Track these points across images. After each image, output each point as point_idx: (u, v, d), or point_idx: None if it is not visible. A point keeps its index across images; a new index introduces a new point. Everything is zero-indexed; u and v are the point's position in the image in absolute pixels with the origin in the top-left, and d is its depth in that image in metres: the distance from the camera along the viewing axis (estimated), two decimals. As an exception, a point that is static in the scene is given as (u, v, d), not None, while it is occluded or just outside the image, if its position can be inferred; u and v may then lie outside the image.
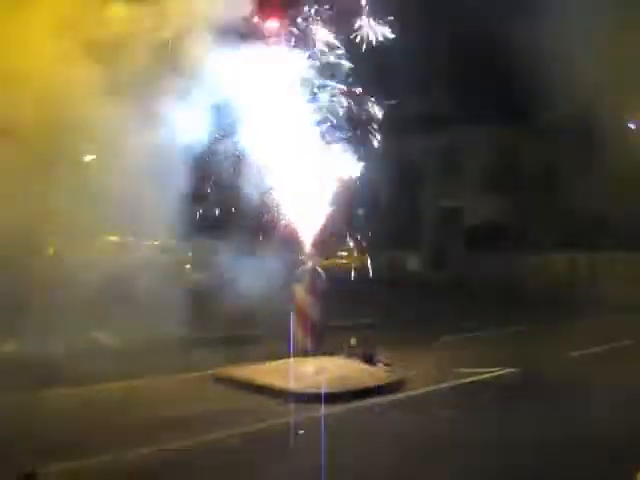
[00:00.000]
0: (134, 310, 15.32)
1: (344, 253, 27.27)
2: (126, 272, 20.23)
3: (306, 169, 12.37)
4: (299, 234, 12.67)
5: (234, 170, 12.63)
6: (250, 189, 12.65)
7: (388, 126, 13.24)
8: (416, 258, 25.76)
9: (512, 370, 12.14)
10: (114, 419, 8.93)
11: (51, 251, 19.51)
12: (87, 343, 13.44)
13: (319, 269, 12.34)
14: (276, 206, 12.71)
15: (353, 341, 12.36)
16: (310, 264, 12.39)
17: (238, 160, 12.53)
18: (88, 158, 15.48)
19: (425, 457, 7.84)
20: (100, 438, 8.05)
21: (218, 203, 13.69)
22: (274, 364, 11.53)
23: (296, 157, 12.28)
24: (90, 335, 14.13)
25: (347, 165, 12.72)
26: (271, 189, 12.64)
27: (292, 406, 9.62)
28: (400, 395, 10.68)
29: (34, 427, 8.28)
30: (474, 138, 26.53)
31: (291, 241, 12.89)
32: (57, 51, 11.57)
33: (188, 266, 21.69)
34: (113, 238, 21.70)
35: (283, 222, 12.76)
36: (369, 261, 24.83)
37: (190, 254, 22.12)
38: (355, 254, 26.16)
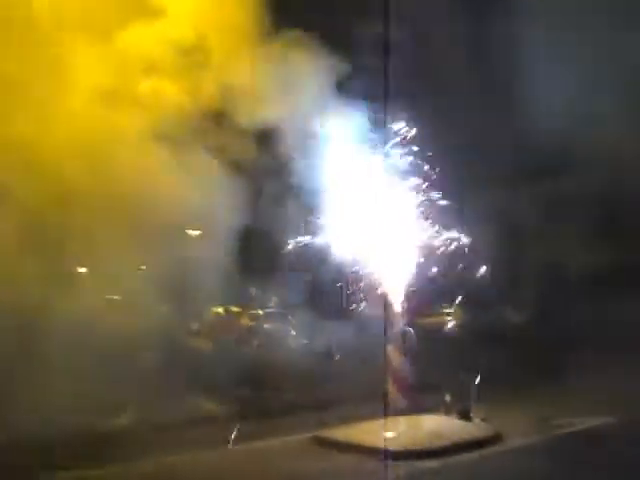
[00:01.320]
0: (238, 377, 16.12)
1: (449, 310, 27.43)
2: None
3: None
4: (390, 295, 13.03)
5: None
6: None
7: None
8: (519, 313, 25.49)
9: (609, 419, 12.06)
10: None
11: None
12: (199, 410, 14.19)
13: (410, 329, 12.67)
14: (369, 270, 13.18)
15: (448, 397, 12.59)
16: (401, 324, 12.74)
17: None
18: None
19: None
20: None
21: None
22: (371, 424, 11.85)
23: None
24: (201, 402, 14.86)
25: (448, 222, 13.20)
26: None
27: (389, 463, 9.95)
28: (497, 449, 10.81)
29: None
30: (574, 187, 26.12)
31: (384, 303, 13.24)
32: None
33: (293, 332, 22.29)
34: (220, 310, 22.71)
35: (375, 285, 13.19)
36: (471, 317, 24.99)
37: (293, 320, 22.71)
38: (458, 311, 26.36)
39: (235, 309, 25.30)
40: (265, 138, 14.18)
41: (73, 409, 11.98)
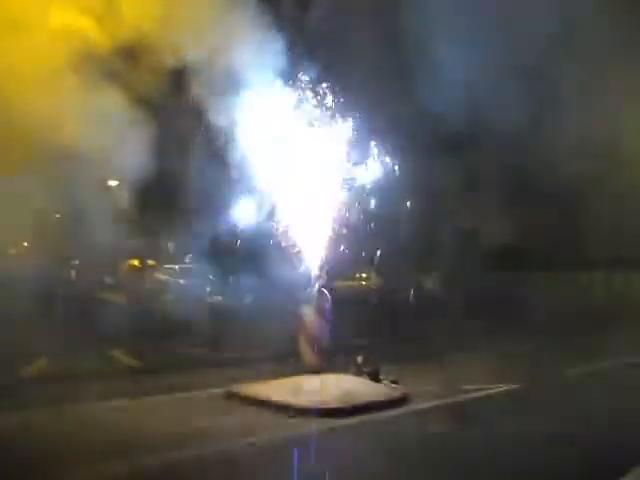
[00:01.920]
0: (153, 331, 16.07)
1: (364, 275, 27.88)
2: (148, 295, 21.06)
3: (317, 189, 12.89)
4: (308, 257, 13.09)
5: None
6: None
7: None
8: (433, 278, 26.16)
9: (514, 387, 12.54)
10: (134, 431, 9.48)
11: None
12: (109, 362, 14.09)
13: (325, 290, 12.79)
14: (287, 229, 13.17)
15: (360, 359, 12.82)
16: (317, 286, 12.84)
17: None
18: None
19: (414, 471, 8.20)
20: (121, 447, 8.64)
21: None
22: (282, 381, 11.99)
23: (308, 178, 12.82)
24: (112, 354, 14.76)
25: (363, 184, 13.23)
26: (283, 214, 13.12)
27: (295, 420, 10.12)
28: (402, 410, 11.10)
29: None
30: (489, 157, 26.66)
31: (302, 263, 13.30)
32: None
33: (208, 289, 22.29)
34: (135, 262, 22.50)
35: (294, 245, 13.21)
36: (385, 282, 25.45)
37: (211, 277, 22.69)
38: (374, 276, 26.77)
39: (150, 262, 25.16)
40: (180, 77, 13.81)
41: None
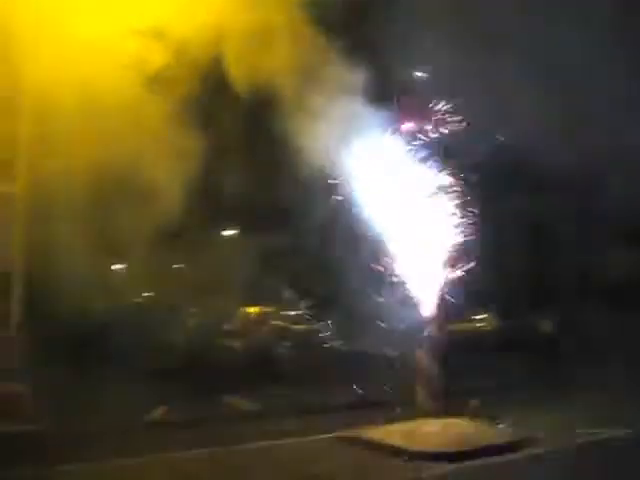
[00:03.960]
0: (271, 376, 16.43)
1: (481, 316, 27.40)
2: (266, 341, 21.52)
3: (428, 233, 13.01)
4: (421, 299, 13.12)
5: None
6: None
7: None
8: (550, 322, 25.39)
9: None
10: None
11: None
12: (227, 408, 14.49)
13: (440, 334, 12.77)
14: (399, 274, 13.27)
15: (475, 403, 12.70)
16: (432, 329, 12.83)
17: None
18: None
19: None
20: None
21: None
22: (396, 425, 11.99)
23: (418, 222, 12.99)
24: (230, 399, 15.16)
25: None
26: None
27: (410, 464, 10.11)
28: (520, 455, 10.90)
29: None
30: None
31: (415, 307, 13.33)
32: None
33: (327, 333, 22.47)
34: (254, 309, 23.05)
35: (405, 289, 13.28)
36: (501, 325, 24.98)
37: (329, 322, 22.88)
38: (490, 318, 26.34)
39: (268, 309, 25.69)
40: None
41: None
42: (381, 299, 13.49)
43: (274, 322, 24.53)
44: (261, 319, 22.53)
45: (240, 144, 17.51)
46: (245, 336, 19.54)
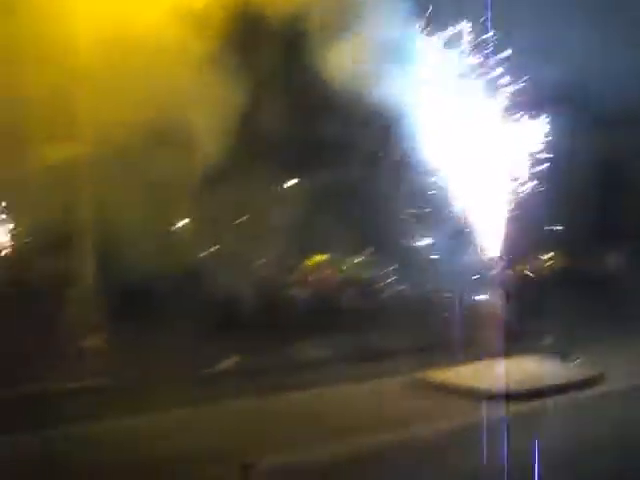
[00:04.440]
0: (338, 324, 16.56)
1: (548, 254, 27.02)
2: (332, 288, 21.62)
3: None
4: (488, 239, 12.94)
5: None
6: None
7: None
8: (619, 256, 24.85)
9: None
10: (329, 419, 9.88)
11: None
12: (299, 354, 14.68)
13: (509, 272, 12.63)
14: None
15: (548, 340, 12.59)
16: (499, 268, 12.71)
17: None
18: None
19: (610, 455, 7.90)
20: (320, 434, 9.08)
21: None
22: (470, 366, 11.99)
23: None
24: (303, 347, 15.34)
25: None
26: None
27: (485, 405, 10.09)
28: (596, 391, 10.79)
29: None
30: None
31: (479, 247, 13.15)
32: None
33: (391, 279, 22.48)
34: (318, 257, 23.11)
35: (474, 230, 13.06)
36: (569, 261, 24.56)
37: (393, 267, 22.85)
38: (558, 256, 25.94)
39: (329, 257, 25.80)
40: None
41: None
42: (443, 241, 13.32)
43: (340, 270, 24.70)
44: (325, 268, 22.54)
45: (279, 80, 17.19)
46: (310, 285, 19.55)
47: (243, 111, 14.51)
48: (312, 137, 19.16)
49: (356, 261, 26.19)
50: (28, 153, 13.84)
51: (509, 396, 10.30)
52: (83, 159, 14.72)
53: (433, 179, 12.81)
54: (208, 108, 13.56)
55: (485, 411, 9.78)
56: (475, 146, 12.50)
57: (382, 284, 22.10)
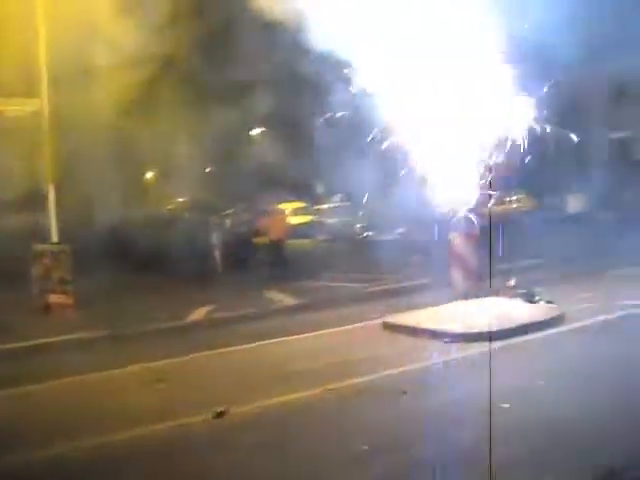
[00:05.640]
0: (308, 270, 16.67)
1: (518, 196, 27.28)
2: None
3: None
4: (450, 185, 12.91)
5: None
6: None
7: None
8: (581, 198, 25.17)
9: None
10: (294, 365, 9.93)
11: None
12: (268, 303, 14.79)
13: (472, 216, 12.68)
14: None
15: (513, 282, 12.78)
16: (465, 211, 12.72)
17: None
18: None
19: (579, 389, 8.03)
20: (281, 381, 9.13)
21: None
22: (436, 309, 12.13)
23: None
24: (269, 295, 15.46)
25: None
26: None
27: (452, 346, 10.27)
28: (559, 329, 11.01)
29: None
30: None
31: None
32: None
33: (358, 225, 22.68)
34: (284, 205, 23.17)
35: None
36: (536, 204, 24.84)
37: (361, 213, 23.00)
38: (526, 198, 26.19)
39: (301, 204, 25.90)
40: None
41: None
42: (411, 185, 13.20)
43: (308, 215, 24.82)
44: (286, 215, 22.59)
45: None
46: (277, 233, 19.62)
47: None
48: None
49: (326, 207, 26.37)
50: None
51: (476, 336, 10.48)
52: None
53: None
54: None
55: (452, 352, 9.99)
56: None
57: (352, 230, 22.26)
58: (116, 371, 10.00)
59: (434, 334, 10.90)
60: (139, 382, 9.48)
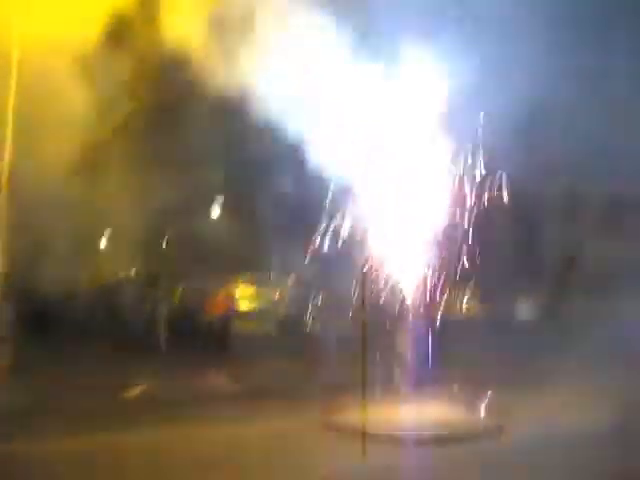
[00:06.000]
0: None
1: (464, 299, 27.35)
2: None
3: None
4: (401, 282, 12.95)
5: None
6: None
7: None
8: (528, 306, 25.46)
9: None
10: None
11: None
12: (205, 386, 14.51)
13: (420, 317, 12.68)
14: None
15: (454, 388, 12.75)
16: (411, 313, 12.75)
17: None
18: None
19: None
20: None
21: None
22: (378, 409, 11.75)
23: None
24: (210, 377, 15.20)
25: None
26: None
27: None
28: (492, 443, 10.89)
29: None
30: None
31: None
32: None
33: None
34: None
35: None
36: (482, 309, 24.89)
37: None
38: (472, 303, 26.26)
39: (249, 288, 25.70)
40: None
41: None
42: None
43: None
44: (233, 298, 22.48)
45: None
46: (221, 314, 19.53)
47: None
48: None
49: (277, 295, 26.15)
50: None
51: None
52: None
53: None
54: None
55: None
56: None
57: (299, 322, 22.02)
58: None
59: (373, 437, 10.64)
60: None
